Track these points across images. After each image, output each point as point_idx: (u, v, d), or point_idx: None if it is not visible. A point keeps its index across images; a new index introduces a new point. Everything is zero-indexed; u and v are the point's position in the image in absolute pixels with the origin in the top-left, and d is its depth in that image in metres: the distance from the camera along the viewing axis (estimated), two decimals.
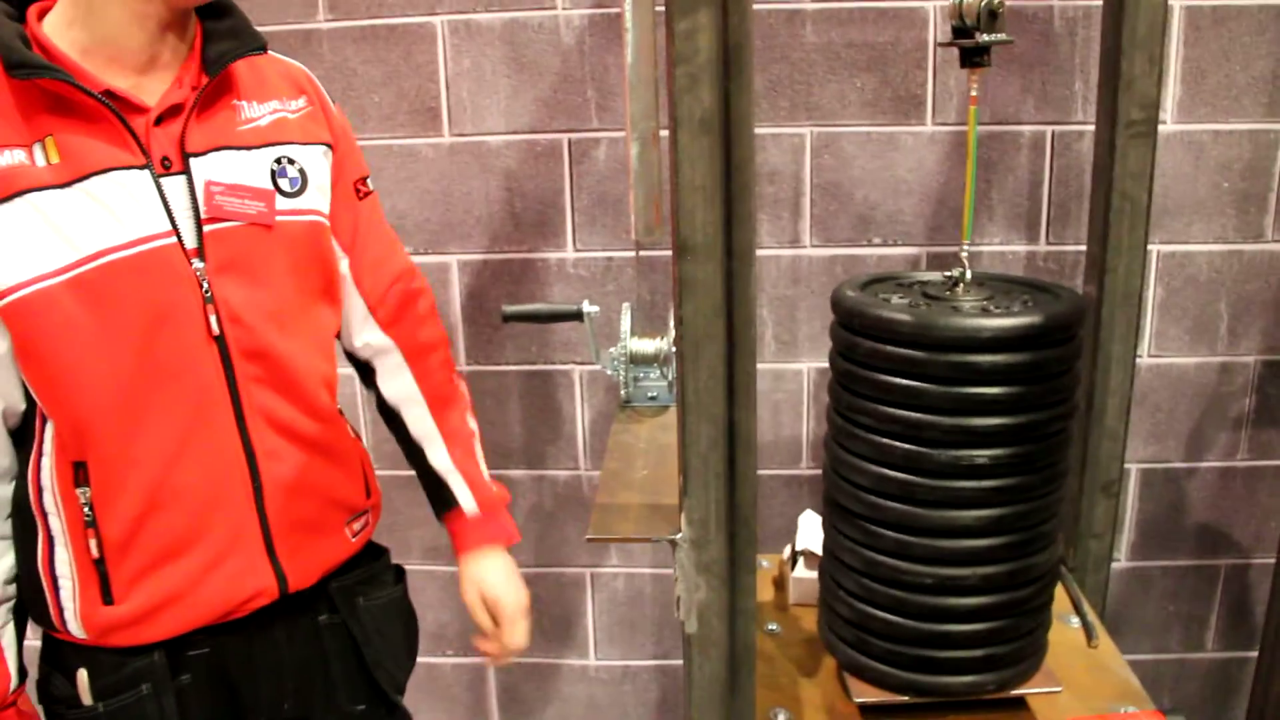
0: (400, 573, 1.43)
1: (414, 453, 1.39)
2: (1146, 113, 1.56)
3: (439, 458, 1.37)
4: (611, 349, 1.38)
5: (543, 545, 2.03)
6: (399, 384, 1.36)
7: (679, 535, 0.99)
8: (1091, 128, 1.76)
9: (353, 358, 1.38)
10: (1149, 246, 1.66)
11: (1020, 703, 1.32)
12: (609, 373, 1.41)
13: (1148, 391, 1.87)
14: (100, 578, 1.14)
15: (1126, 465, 1.82)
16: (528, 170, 1.83)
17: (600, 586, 2.06)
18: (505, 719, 2.15)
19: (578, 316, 1.38)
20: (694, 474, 0.98)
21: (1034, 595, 1.25)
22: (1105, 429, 1.66)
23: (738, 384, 0.96)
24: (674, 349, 1.35)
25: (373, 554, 1.38)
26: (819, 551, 1.69)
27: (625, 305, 1.36)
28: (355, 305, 1.32)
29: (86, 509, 1.12)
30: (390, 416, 1.39)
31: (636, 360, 1.35)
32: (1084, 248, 1.81)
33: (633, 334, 1.35)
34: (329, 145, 1.27)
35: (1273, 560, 1.96)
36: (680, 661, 2.09)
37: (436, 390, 1.37)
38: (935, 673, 1.27)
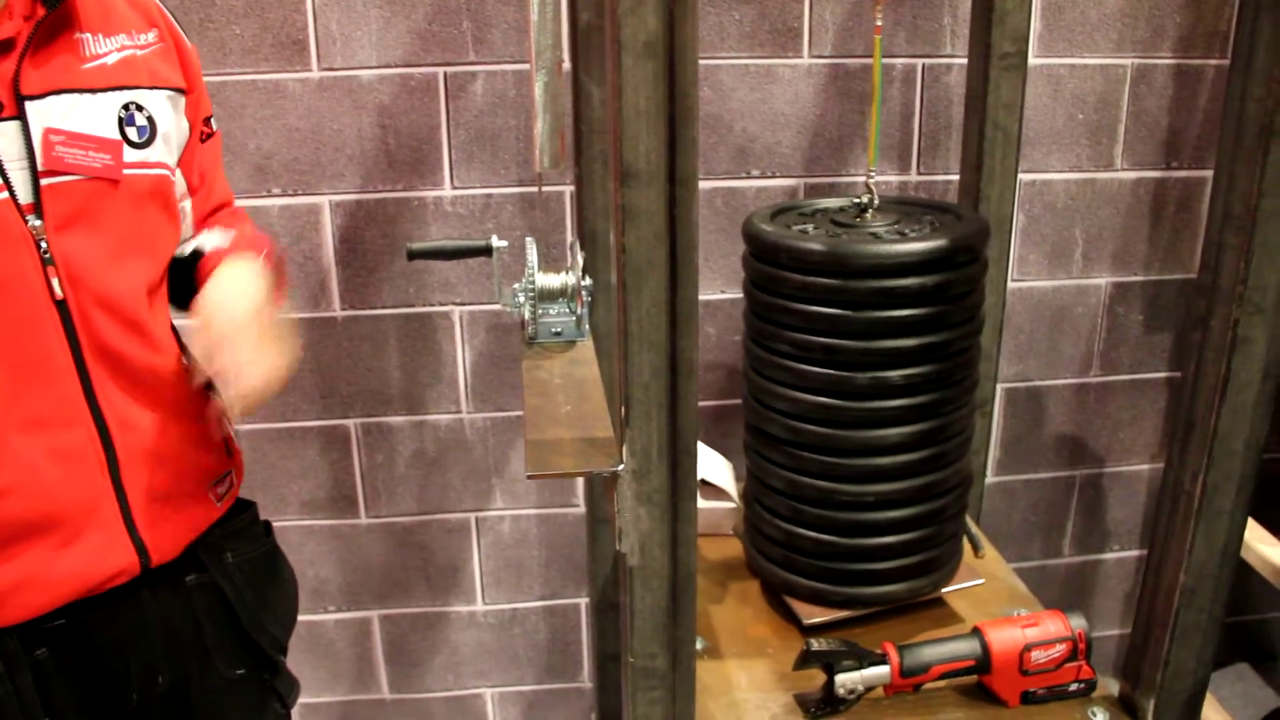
0: (268, 526, 1.35)
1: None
2: (1017, 45, 1.62)
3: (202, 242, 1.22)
4: (515, 285, 1.34)
5: (426, 492, 1.99)
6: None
7: (620, 467, 0.98)
8: (959, 60, 1.82)
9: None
10: None
11: (939, 602, 1.40)
12: (510, 310, 1.38)
13: (1010, 314, 1.96)
14: None
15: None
16: (402, 105, 1.76)
17: (485, 531, 2.03)
18: (393, 672, 2.11)
19: (486, 252, 1.34)
20: (636, 404, 0.97)
21: (955, 501, 1.31)
22: (979, 351, 1.74)
23: (680, 312, 0.95)
24: (582, 282, 1.33)
25: (238, 509, 1.29)
26: (714, 481, 1.72)
27: (529, 240, 1.32)
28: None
29: None
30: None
31: (544, 296, 1.32)
32: (953, 177, 1.88)
33: (539, 269, 1.32)
34: (181, 90, 1.16)
35: (1123, 468, 2.11)
36: (569, 601, 2.11)
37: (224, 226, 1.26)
38: (873, 584, 1.32)
